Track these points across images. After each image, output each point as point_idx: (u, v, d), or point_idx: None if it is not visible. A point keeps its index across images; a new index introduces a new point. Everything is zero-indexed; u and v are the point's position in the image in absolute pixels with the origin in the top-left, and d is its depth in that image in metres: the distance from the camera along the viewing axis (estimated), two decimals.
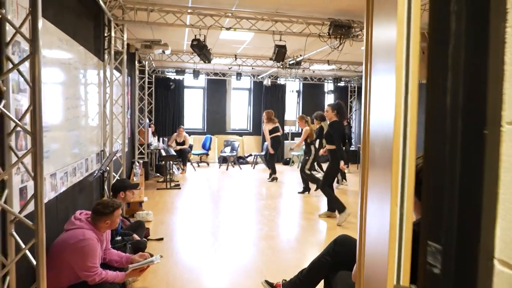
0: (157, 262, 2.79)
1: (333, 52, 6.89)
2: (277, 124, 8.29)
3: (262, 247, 4.06)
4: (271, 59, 8.50)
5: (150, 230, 4.34)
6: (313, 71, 9.58)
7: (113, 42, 4.75)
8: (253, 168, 10.16)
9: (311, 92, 12.29)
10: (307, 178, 6.57)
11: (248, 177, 8.77)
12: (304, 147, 7.41)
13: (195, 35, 5.26)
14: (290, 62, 8.24)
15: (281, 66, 8.64)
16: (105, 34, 4.70)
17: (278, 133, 8.16)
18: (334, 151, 5.02)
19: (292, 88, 12.30)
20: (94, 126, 4.21)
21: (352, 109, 12.19)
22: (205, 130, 11.33)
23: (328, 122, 5.11)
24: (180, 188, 7.14)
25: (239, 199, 6.54)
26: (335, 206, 4.99)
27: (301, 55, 7.56)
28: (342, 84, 11.63)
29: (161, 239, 4.17)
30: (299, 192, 6.88)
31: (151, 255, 2.90)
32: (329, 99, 12.48)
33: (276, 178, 8.12)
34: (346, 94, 12.20)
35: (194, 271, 3.41)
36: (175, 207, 5.79)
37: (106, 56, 4.72)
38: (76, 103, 3.46)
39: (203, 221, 5.06)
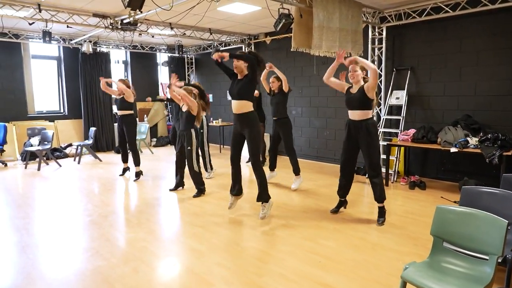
0: None
1: (182, 14, 5.46)
2: None
3: None
4: (96, 15, 6.29)
5: None
6: (152, 36, 7.72)
7: None
8: (79, 162, 7.71)
9: (142, 64, 10.31)
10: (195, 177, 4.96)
11: (76, 178, 6.43)
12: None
13: None
14: (125, 21, 6.25)
15: (111, 27, 6.51)
16: None
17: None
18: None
19: (118, 58, 10.00)
20: None
21: (191, 82, 10.90)
22: None
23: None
24: None
25: (72, 231, 3.97)
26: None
27: (141, 12, 5.71)
28: (177, 55, 10.01)
29: None
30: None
31: None
32: (164, 72, 10.82)
33: (140, 173, 6.20)
34: (182, 66, 10.81)
35: None
36: None
37: None
38: None
39: None
